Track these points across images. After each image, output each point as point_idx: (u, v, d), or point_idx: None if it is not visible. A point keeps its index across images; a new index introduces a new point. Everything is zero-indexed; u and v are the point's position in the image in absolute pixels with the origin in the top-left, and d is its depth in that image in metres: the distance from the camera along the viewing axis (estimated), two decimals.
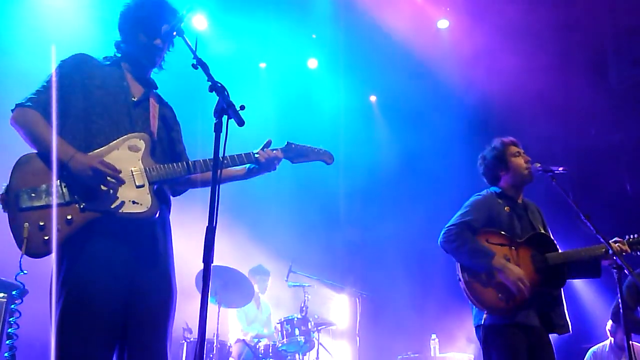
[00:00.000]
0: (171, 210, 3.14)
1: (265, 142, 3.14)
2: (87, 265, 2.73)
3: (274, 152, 3.14)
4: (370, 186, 9.51)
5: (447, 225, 3.96)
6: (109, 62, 3.11)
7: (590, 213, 3.98)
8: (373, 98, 10.60)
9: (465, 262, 3.83)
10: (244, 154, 3.07)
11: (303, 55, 9.65)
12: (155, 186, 2.91)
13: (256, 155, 3.08)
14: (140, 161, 2.90)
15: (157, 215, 2.85)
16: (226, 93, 2.50)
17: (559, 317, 3.90)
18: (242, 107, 2.48)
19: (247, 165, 3.16)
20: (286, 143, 3.20)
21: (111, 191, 2.77)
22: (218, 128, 2.42)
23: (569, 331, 3.90)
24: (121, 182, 2.79)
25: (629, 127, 8.76)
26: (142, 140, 2.95)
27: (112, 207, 2.77)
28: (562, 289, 3.95)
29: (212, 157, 2.44)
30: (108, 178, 2.75)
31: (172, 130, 3.22)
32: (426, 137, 9.36)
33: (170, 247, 3.04)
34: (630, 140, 8.82)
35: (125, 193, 2.80)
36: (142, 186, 2.85)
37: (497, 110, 9.23)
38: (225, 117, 2.45)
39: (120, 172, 2.79)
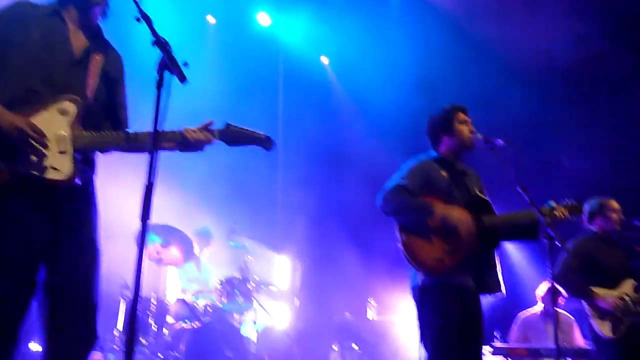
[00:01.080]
0: (114, 163, 3.07)
1: (205, 122, 3.00)
2: (1, 226, 2.68)
3: (208, 133, 2.98)
4: (312, 149, 9.52)
5: (384, 189, 3.99)
6: (49, 11, 2.96)
7: (528, 185, 4.08)
8: (325, 60, 10.54)
9: (405, 221, 3.88)
10: (176, 131, 2.93)
11: (252, 10, 9.50)
12: (79, 154, 2.83)
13: (185, 135, 2.93)
14: (69, 126, 2.81)
15: (77, 181, 2.79)
16: (169, 48, 2.44)
17: (493, 278, 4.01)
18: (186, 64, 2.43)
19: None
20: (225, 125, 3.04)
21: (33, 155, 2.70)
22: (160, 84, 2.37)
23: (502, 291, 4.02)
24: (44, 145, 2.71)
25: (570, 101, 8.97)
26: (73, 104, 2.85)
27: (32, 171, 2.70)
28: (495, 252, 4.05)
29: (147, 129, 2.36)
30: (31, 141, 2.67)
31: (113, 90, 3.09)
32: (372, 98, 9.40)
33: (94, 210, 2.97)
34: (570, 114, 9.04)
35: (46, 158, 2.73)
36: (65, 152, 2.77)
37: (440, 76, 9.31)
38: (167, 73, 2.40)
39: (45, 136, 2.72)
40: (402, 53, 9.36)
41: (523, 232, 4.12)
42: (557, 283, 5.12)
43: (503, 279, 4.07)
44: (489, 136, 4.18)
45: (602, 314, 5.00)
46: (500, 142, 4.16)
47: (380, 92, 9.43)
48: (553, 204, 4.05)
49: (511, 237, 4.18)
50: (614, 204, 5.41)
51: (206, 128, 2.98)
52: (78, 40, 2.98)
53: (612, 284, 5.15)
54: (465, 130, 4.18)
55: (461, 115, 4.22)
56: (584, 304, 5.08)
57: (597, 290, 5.07)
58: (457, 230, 3.82)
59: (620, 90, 8.78)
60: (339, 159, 9.50)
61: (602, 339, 4.97)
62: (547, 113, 9.26)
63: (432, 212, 3.83)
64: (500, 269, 4.08)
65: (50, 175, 2.72)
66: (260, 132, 3.09)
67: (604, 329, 4.96)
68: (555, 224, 3.94)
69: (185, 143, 2.95)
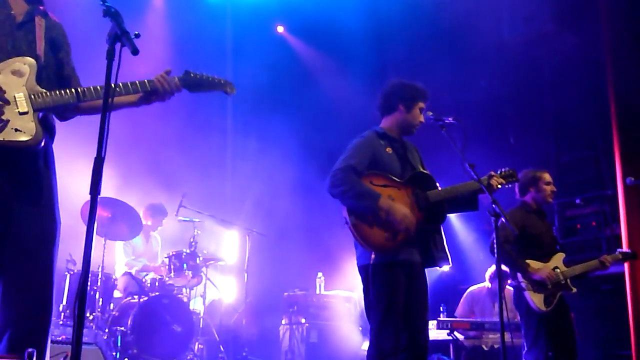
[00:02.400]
0: (59, 136, 3.01)
1: (164, 71, 3.01)
2: None
3: (172, 80, 3.00)
4: (262, 122, 9.47)
5: (332, 170, 4.00)
6: None
7: (476, 162, 4.16)
8: (280, 28, 10.46)
9: (352, 206, 3.91)
10: (139, 81, 2.92)
11: None
12: (40, 114, 2.76)
13: (152, 83, 2.94)
14: (25, 87, 2.74)
15: (42, 144, 2.72)
16: (120, 19, 2.39)
17: (440, 250, 4.08)
18: (137, 35, 2.39)
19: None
20: (184, 71, 3.06)
21: None
22: (110, 55, 2.32)
23: (449, 262, 4.10)
24: (6, 101, 2.64)
25: (516, 80, 9.13)
26: (26, 65, 2.78)
27: None
28: (441, 225, 4.13)
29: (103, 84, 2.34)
30: None
31: (60, 51, 3.03)
32: (325, 63, 9.41)
33: (53, 177, 2.91)
34: (516, 93, 9.21)
35: (9, 120, 2.65)
36: (26, 113, 2.70)
37: (393, 50, 9.37)
38: (118, 45, 2.35)
39: (3, 97, 2.64)
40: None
41: (464, 203, 4.21)
42: (492, 254, 5.22)
43: (451, 255, 4.16)
44: (439, 114, 4.22)
45: (536, 286, 5.13)
46: (449, 120, 4.21)
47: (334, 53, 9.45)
48: (492, 173, 4.16)
49: (454, 209, 4.26)
50: (547, 176, 5.51)
51: (166, 76, 3.00)
52: (18, 5, 2.91)
53: (545, 257, 5.29)
54: (418, 117, 4.22)
55: (422, 104, 4.24)
56: (519, 276, 5.20)
57: (532, 263, 5.20)
58: (398, 227, 3.85)
59: (564, 70, 8.98)
60: (290, 131, 9.47)
61: (535, 312, 5.10)
62: (493, 91, 9.42)
63: (377, 204, 3.85)
64: (444, 241, 4.16)
65: (14, 137, 2.65)
66: (219, 77, 3.13)
67: (538, 302, 5.10)
68: (493, 191, 4.05)
69: (152, 92, 2.95)
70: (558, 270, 5.22)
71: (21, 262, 2.72)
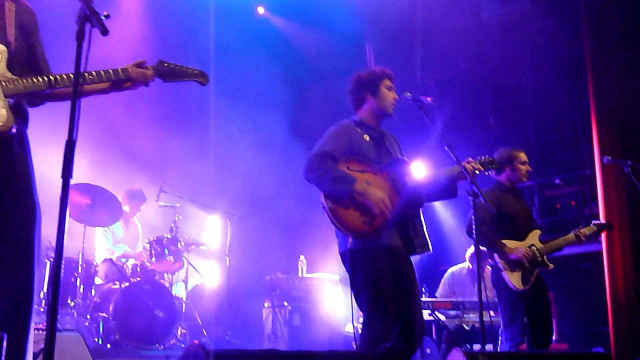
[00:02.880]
0: (37, 123, 2.97)
1: (137, 60, 3.00)
2: None
3: (147, 69, 3.01)
4: (243, 105, 9.43)
5: (308, 156, 3.99)
6: None
7: (455, 144, 4.17)
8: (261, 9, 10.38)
9: (328, 190, 3.89)
10: (112, 70, 2.90)
11: None
12: (11, 100, 2.72)
13: (125, 72, 2.93)
14: None
15: (14, 130, 2.69)
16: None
17: (420, 237, 4.08)
18: (107, 16, 2.35)
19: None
20: (158, 61, 3.06)
21: None
22: (80, 36, 2.29)
23: (430, 250, 4.11)
24: None
25: (496, 62, 9.15)
26: None
27: None
28: (421, 211, 4.13)
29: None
30: None
31: (30, 37, 2.98)
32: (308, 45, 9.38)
33: (29, 162, 2.88)
34: (496, 73, 9.23)
35: None
36: None
37: (369, 35, 9.35)
38: (88, 25, 2.32)
39: None
40: None
41: (443, 190, 4.21)
42: (469, 235, 5.26)
43: (431, 236, 4.17)
44: (417, 95, 4.23)
45: (513, 266, 5.18)
46: (427, 100, 4.22)
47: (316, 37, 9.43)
48: (469, 159, 4.17)
49: (433, 196, 4.26)
50: (523, 156, 5.53)
51: (140, 66, 2.99)
52: None
53: (521, 236, 5.34)
54: (390, 96, 4.21)
55: (387, 81, 4.23)
56: (496, 256, 5.24)
57: (508, 242, 5.24)
58: (373, 210, 3.85)
59: (543, 51, 9.01)
60: (271, 115, 9.44)
61: (512, 290, 5.16)
62: (473, 72, 9.43)
63: (352, 188, 3.84)
64: (425, 228, 4.16)
65: None
66: (193, 68, 3.13)
67: (516, 281, 5.15)
68: (470, 175, 4.07)
69: (125, 80, 2.95)
70: (534, 247, 5.27)
71: (3, 248, 2.68)
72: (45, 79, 2.79)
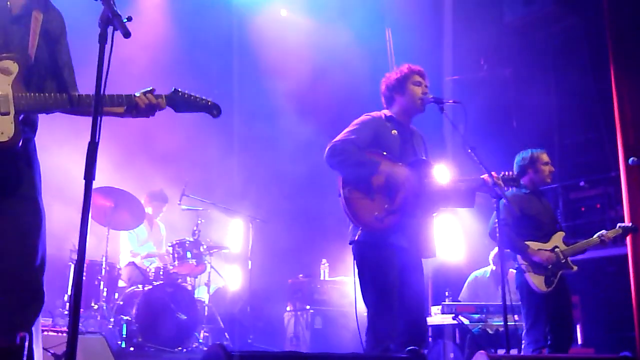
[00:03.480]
0: (61, 128, 2.98)
1: (148, 89, 2.95)
2: None
3: (157, 99, 2.94)
4: (266, 109, 9.44)
5: (332, 142, 3.99)
6: None
7: (478, 145, 4.15)
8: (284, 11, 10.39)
9: (350, 174, 3.88)
10: (125, 95, 2.86)
11: None
12: (21, 116, 2.73)
13: (136, 100, 2.88)
14: (10, 86, 2.70)
15: (19, 145, 2.70)
16: (112, 2, 2.36)
17: (427, 241, 4.06)
18: (129, 19, 2.36)
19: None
20: (172, 90, 3.00)
21: None
22: (102, 39, 2.30)
23: (435, 255, 4.10)
24: None
25: (518, 63, 9.09)
26: (15, 63, 2.73)
27: None
28: (432, 217, 4.10)
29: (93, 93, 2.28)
30: None
31: (56, 44, 2.97)
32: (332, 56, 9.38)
33: (35, 172, 2.88)
34: (519, 76, 9.16)
35: None
36: (7, 114, 2.66)
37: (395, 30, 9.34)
38: (110, 28, 2.33)
39: None
40: None
41: (462, 197, 4.18)
42: (491, 238, 5.23)
43: (455, 240, 4.14)
44: (439, 97, 4.21)
45: (537, 268, 5.14)
46: (449, 102, 4.20)
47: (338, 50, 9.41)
48: (493, 173, 4.13)
49: (450, 202, 4.23)
50: (545, 157, 5.49)
51: (152, 94, 2.93)
52: None
53: (544, 237, 5.29)
54: (418, 92, 4.19)
55: (416, 77, 4.23)
56: (519, 258, 5.21)
57: (531, 244, 5.20)
58: (402, 188, 3.85)
59: (566, 52, 8.93)
60: (295, 118, 9.44)
61: (536, 292, 5.12)
62: (495, 73, 9.37)
63: (377, 169, 3.85)
64: (433, 234, 4.13)
65: None
66: (207, 99, 3.07)
67: (539, 283, 5.11)
68: (500, 187, 4.06)
69: (135, 107, 2.89)
70: (558, 249, 5.23)
71: (3, 256, 2.70)
72: (57, 97, 2.78)
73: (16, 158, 2.78)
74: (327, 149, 3.97)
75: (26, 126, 2.80)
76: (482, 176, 4.08)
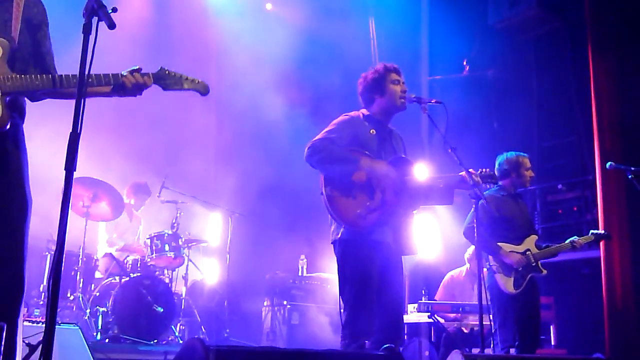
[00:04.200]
0: (40, 117, 2.97)
1: (135, 68, 2.95)
2: None
3: (144, 77, 2.95)
4: (245, 103, 9.41)
5: (311, 141, 4.01)
6: None
7: (458, 146, 4.18)
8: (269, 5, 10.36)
9: (331, 171, 3.91)
10: (112, 74, 2.86)
11: None
12: (8, 97, 2.71)
13: (123, 79, 2.89)
14: None
15: (7, 127, 2.68)
16: None
17: (408, 239, 4.10)
18: (114, 10, 2.35)
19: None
20: (159, 68, 3.01)
21: None
22: (87, 29, 2.29)
23: (415, 253, 4.14)
24: None
25: (500, 65, 9.15)
26: None
27: None
28: (412, 214, 4.14)
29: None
30: None
31: (38, 31, 2.96)
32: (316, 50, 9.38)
33: (23, 157, 2.86)
34: (500, 78, 9.23)
35: None
36: None
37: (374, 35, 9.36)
38: (95, 19, 2.32)
39: None
40: None
41: (440, 195, 4.21)
42: (466, 237, 5.29)
43: (431, 240, 4.18)
44: (420, 96, 4.23)
45: (507, 269, 5.20)
46: (431, 101, 4.22)
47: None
48: (470, 170, 4.18)
49: (429, 200, 4.27)
50: (528, 162, 5.57)
51: (138, 72, 2.94)
52: None
53: (517, 240, 5.36)
54: (397, 90, 4.21)
55: (393, 76, 4.24)
56: (491, 259, 5.27)
57: (504, 246, 5.26)
58: (383, 182, 3.89)
59: (548, 55, 9.01)
60: (275, 113, 9.42)
61: (505, 293, 5.18)
62: (477, 74, 9.42)
63: (358, 164, 3.88)
64: (413, 231, 4.16)
65: None
66: (195, 78, 3.08)
67: (508, 285, 5.17)
68: (477, 185, 4.09)
69: (122, 87, 2.90)
70: (529, 252, 5.30)
71: None
72: (44, 77, 2.77)
73: (4, 142, 2.76)
74: (306, 149, 3.97)
75: (14, 111, 2.78)
76: (460, 173, 4.11)
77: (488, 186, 4.34)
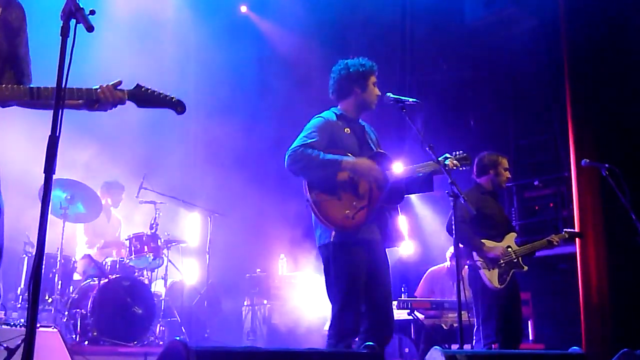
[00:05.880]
0: (15, 119, 2.94)
1: (114, 82, 2.92)
2: None
3: (119, 93, 2.91)
4: (225, 102, 9.40)
5: (291, 148, 4.02)
6: None
7: (435, 144, 4.22)
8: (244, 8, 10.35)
9: (315, 177, 3.92)
10: (85, 89, 2.83)
11: None
12: None
13: (97, 94, 2.85)
14: None
15: None
16: None
17: (395, 230, 4.17)
18: (92, 12, 2.34)
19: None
20: (135, 85, 2.97)
21: None
22: (65, 32, 2.27)
23: (404, 239, 4.22)
24: None
25: (477, 64, 9.21)
26: None
27: None
28: (398, 205, 4.19)
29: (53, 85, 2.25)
30: None
31: (15, 37, 2.94)
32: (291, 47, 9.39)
33: None
34: (477, 76, 9.29)
35: None
36: None
37: (354, 31, 9.39)
38: (73, 21, 2.30)
39: None
40: None
41: (420, 184, 4.29)
42: (449, 233, 5.37)
43: (412, 237, 4.25)
44: (399, 96, 4.26)
45: (491, 264, 5.29)
46: (409, 101, 4.26)
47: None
48: (447, 155, 4.31)
49: (411, 189, 4.34)
50: (506, 162, 5.70)
51: (116, 87, 2.90)
52: None
53: (498, 237, 5.46)
54: (375, 91, 4.26)
55: (374, 77, 4.28)
56: (474, 255, 5.34)
57: (486, 242, 5.37)
58: (367, 177, 3.93)
59: (524, 53, 9.08)
60: (252, 111, 9.42)
61: (489, 289, 5.26)
62: (454, 74, 9.48)
63: (340, 165, 3.90)
64: (399, 221, 4.22)
65: None
66: (171, 95, 3.04)
67: (493, 279, 5.26)
68: (449, 173, 4.14)
69: (96, 101, 2.86)
70: (510, 249, 5.40)
71: None
72: (27, 89, 2.75)
73: None
74: (286, 157, 3.98)
75: None
76: (435, 161, 4.14)
77: (462, 168, 4.40)
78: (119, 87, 2.91)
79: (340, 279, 3.93)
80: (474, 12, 9.05)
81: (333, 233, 3.96)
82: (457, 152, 4.43)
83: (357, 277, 3.91)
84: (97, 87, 2.87)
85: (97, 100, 2.86)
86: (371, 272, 3.98)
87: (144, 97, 2.97)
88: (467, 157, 4.46)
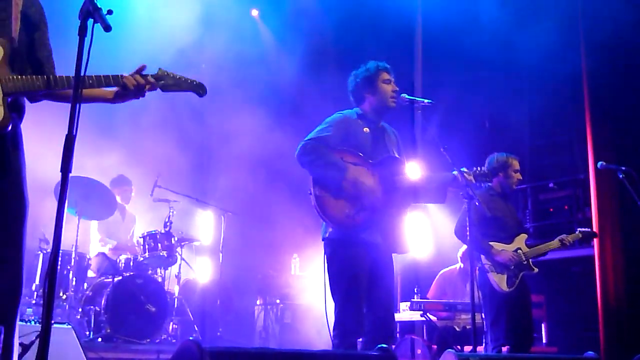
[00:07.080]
0: (32, 116, 2.96)
1: (138, 67, 2.94)
2: None
3: (145, 78, 2.94)
4: (238, 104, 9.41)
5: (304, 139, 4.02)
6: None
7: (449, 145, 4.20)
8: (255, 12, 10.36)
9: (318, 175, 3.92)
10: (112, 75, 2.84)
11: None
12: (9, 98, 2.70)
13: (124, 80, 2.87)
14: None
15: (9, 129, 2.68)
16: None
17: (400, 237, 4.11)
18: (110, 12, 2.35)
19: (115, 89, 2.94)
20: (158, 70, 3.01)
21: None
22: (82, 31, 2.28)
23: (407, 251, 4.16)
24: None
25: (493, 65, 9.16)
26: (0, 46, 2.71)
27: None
28: (405, 213, 4.16)
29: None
30: None
31: (36, 31, 2.94)
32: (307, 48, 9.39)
33: (21, 157, 2.84)
34: (493, 77, 9.23)
35: None
36: None
37: (357, 36, 9.38)
38: (90, 21, 2.31)
39: None
40: None
41: (433, 193, 4.23)
42: (458, 236, 5.35)
43: (424, 239, 4.21)
44: (413, 97, 4.25)
45: (499, 268, 5.26)
46: (424, 102, 4.24)
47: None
48: (463, 169, 4.21)
49: (422, 198, 4.29)
50: (517, 164, 5.64)
51: (140, 73, 2.93)
52: None
53: (508, 239, 5.43)
54: (388, 90, 4.23)
55: (385, 75, 4.26)
56: (483, 258, 5.31)
57: (495, 245, 5.33)
58: (363, 200, 3.90)
59: (540, 55, 9.03)
60: (269, 108, 9.42)
61: (497, 292, 5.23)
62: (470, 75, 9.44)
63: (344, 175, 3.88)
64: (406, 230, 4.17)
65: None
66: (192, 79, 3.08)
67: (501, 283, 5.23)
68: (466, 185, 4.12)
69: (124, 88, 2.88)
70: (520, 251, 5.36)
71: None
72: (44, 78, 2.75)
73: (4, 142, 2.75)
74: (298, 147, 4.00)
75: (13, 112, 2.77)
76: (453, 172, 4.13)
77: (481, 185, 4.36)
78: (144, 73, 2.94)
79: (338, 277, 3.93)
80: (489, 10, 9.00)
81: (330, 229, 3.96)
82: (478, 168, 4.35)
83: (356, 277, 3.89)
84: (124, 75, 2.88)
85: (124, 86, 2.88)
86: (372, 273, 3.95)
87: (168, 81, 3.01)
88: (487, 174, 4.40)
